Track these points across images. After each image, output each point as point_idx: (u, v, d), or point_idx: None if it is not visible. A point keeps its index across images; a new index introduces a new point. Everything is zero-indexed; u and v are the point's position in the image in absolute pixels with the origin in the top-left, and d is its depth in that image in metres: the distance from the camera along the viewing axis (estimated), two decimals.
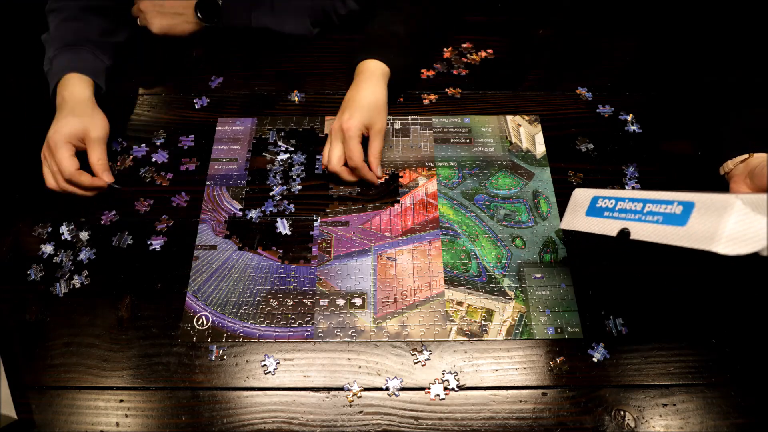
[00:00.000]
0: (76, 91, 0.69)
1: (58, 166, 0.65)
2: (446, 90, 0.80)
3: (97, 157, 0.68)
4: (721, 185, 0.68)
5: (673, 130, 0.76)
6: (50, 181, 0.67)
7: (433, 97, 0.80)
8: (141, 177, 0.72)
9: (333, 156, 0.68)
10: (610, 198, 0.54)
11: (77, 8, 0.74)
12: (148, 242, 0.67)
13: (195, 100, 0.79)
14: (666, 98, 0.80)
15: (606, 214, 0.54)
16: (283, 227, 0.68)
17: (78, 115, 0.67)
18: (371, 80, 0.70)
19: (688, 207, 0.45)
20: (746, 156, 0.63)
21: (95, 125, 0.68)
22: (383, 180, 0.72)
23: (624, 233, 0.50)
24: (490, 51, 0.85)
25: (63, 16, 0.74)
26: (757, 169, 0.61)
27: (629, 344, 0.60)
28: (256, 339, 0.61)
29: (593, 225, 0.55)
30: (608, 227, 0.53)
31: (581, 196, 0.59)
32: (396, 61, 0.72)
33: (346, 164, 0.69)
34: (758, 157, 0.63)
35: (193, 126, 0.78)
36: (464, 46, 0.86)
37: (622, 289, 0.64)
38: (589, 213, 0.56)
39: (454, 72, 0.83)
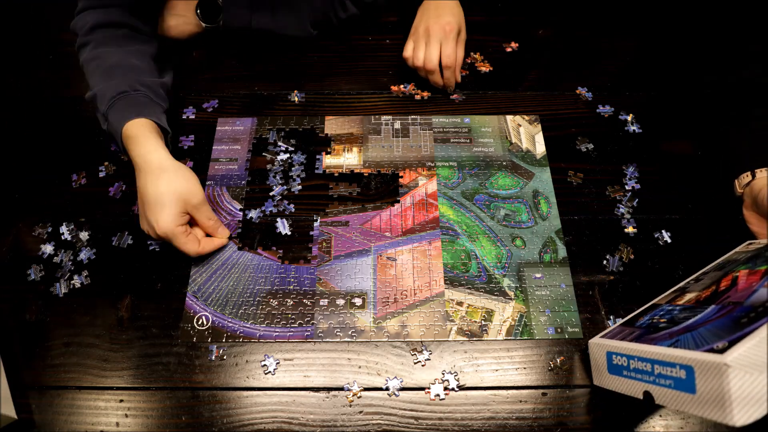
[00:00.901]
0: (150, 153, 0.62)
1: (184, 250, 0.62)
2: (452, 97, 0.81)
3: (207, 217, 0.64)
4: (723, 188, 0.69)
5: (673, 130, 0.77)
6: (190, 254, 0.63)
7: (425, 93, 0.80)
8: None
9: (434, 55, 0.74)
10: (622, 355, 0.51)
11: (121, 53, 0.69)
12: (149, 242, 0.67)
13: (204, 105, 0.79)
14: (666, 98, 0.80)
15: (625, 373, 0.50)
16: (283, 227, 0.68)
17: (171, 192, 0.61)
18: None
19: (690, 372, 0.42)
20: (750, 178, 0.64)
21: (191, 191, 0.62)
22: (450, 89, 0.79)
23: (648, 397, 0.47)
24: (514, 44, 0.86)
25: (108, 64, 0.68)
26: (759, 197, 0.61)
27: None
28: (256, 339, 0.61)
29: (618, 385, 0.51)
30: (632, 389, 0.49)
31: (597, 351, 0.56)
32: None
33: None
34: (759, 180, 0.63)
35: (194, 126, 0.78)
36: (473, 55, 0.85)
37: (622, 289, 0.64)
38: (611, 371, 0.53)
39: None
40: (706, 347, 0.41)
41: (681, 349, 0.43)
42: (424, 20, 0.76)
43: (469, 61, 0.84)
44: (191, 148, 0.75)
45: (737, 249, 0.60)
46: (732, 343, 0.39)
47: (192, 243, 0.63)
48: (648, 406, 0.48)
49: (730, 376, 0.38)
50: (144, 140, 0.63)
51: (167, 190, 0.61)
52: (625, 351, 0.50)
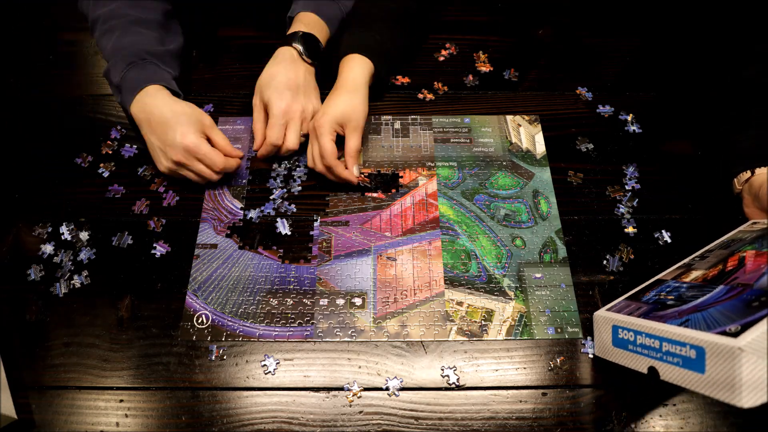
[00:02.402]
0: (165, 102, 0.66)
1: (209, 160, 0.66)
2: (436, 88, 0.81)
3: (222, 138, 0.69)
4: (723, 188, 0.69)
5: (673, 130, 0.77)
6: (213, 176, 0.68)
7: (430, 95, 0.80)
8: (140, 176, 0.72)
9: (309, 154, 0.70)
10: (628, 330, 0.52)
11: (127, 22, 0.71)
12: (153, 249, 0.66)
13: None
14: (666, 98, 0.80)
15: (630, 347, 0.52)
16: (284, 227, 0.68)
17: (182, 114, 0.65)
18: (352, 72, 0.70)
19: (701, 352, 0.43)
20: (749, 175, 0.64)
21: (200, 113, 0.68)
22: (364, 182, 0.71)
23: (653, 372, 0.48)
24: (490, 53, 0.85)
25: (117, 35, 0.70)
26: (761, 192, 0.61)
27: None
28: (255, 338, 0.61)
29: (622, 358, 0.53)
30: (637, 363, 0.51)
31: (602, 323, 0.57)
32: (379, 62, 0.72)
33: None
34: (759, 176, 0.63)
35: None
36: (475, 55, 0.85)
37: (622, 288, 0.64)
38: (615, 344, 0.54)
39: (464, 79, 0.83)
40: (718, 329, 0.42)
41: (693, 329, 0.44)
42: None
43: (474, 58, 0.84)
44: None
45: (741, 228, 0.61)
46: (745, 327, 0.40)
47: (218, 155, 0.66)
48: (651, 382, 0.49)
49: (742, 360, 0.39)
50: (160, 100, 0.66)
51: (182, 110, 0.66)
52: (633, 326, 0.51)
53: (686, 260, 0.60)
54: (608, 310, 0.58)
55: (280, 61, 0.72)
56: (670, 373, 0.46)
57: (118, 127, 0.76)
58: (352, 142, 0.68)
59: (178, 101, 0.67)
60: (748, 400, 0.39)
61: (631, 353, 0.51)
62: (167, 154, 0.66)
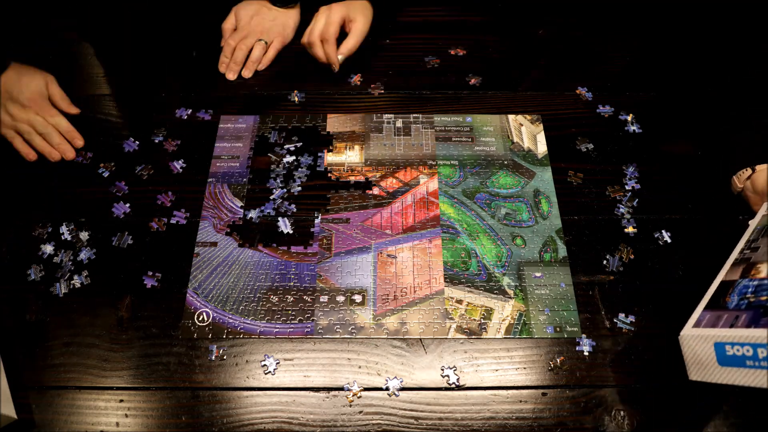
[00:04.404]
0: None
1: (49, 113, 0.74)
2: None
3: (61, 96, 0.76)
4: (723, 188, 0.69)
5: (673, 130, 0.77)
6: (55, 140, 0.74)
7: (380, 90, 0.81)
8: (138, 175, 0.72)
9: (315, 29, 0.76)
10: (742, 344, 0.46)
11: None
12: (143, 278, 0.64)
13: (198, 113, 0.79)
14: (666, 98, 0.80)
15: (749, 363, 0.46)
16: (285, 226, 0.68)
17: (26, 72, 0.74)
18: None
19: None
20: (749, 173, 0.64)
21: (42, 73, 0.75)
22: (336, 69, 0.80)
23: None
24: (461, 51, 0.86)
25: None
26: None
27: (629, 344, 0.60)
28: (256, 335, 0.61)
29: (738, 378, 0.47)
30: (762, 380, 0.45)
31: (697, 344, 0.50)
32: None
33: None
34: (760, 172, 0.63)
35: (195, 124, 0.77)
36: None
37: (622, 288, 0.64)
38: (724, 363, 0.48)
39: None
40: None
41: None
42: None
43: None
44: (190, 148, 0.75)
45: (764, 212, 0.59)
46: None
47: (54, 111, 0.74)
48: None
49: None
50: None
51: (27, 69, 0.74)
52: (747, 339, 0.46)
53: (735, 255, 0.56)
54: (695, 327, 0.52)
55: None
56: None
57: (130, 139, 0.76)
58: (352, 42, 0.78)
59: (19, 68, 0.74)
60: None
61: (753, 369, 0.45)
62: (7, 109, 0.72)
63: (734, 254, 0.58)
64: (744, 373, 0.46)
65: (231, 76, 0.82)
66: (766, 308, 0.47)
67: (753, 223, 0.60)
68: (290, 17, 0.84)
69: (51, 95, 0.75)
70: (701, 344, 0.50)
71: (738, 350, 0.47)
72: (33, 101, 0.73)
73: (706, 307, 0.53)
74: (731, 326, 0.48)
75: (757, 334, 0.45)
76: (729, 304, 0.51)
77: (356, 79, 0.82)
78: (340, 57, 0.78)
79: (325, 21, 0.76)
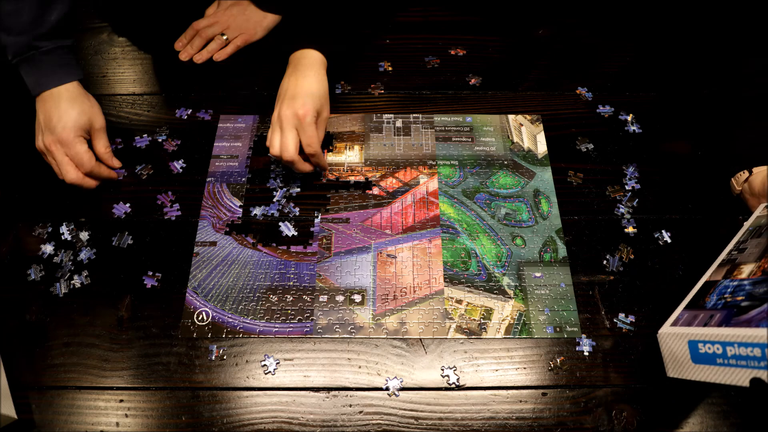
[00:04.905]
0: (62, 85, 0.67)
1: (78, 159, 0.66)
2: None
3: (104, 145, 0.70)
4: (723, 188, 0.69)
5: (673, 130, 0.77)
6: (71, 175, 0.66)
7: (380, 91, 0.81)
8: (137, 174, 0.72)
9: (290, 144, 0.64)
10: (713, 342, 0.47)
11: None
12: (143, 278, 0.64)
13: (198, 113, 0.79)
14: (666, 98, 0.80)
15: (719, 361, 0.47)
16: (288, 229, 0.68)
17: (79, 105, 0.67)
18: (314, 68, 0.68)
19: None
20: (747, 175, 0.64)
21: (96, 114, 0.69)
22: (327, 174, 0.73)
23: (759, 384, 0.43)
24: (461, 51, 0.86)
25: None
26: (765, 188, 0.61)
27: (629, 344, 0.60)
28: (255, 334, 0.61)
29: (711, 375, 0.48)
30: (732, 377, 0.45)
31: (673, 342, 0.52)
32: (332, 49, 0.71)
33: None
34: (757, 174, 0.63)
35: (194, 124, 0.77)
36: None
37: (622, 289, 0.64)
38: (697, 361, 0.49)
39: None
40: None
41: None
42: (278, 104, 0.67)
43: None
44: (190, 147, 0.75)
45: (758, 213, 0.59)
46: None
47: (89, 158, 0.67)
48: (756, 396, 0.44)
49: None
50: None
51: (78, 103, 0.67)
52: (717, 338, 0.47)
53: (723, 257, 0.57)
54: (672, 325, 0.53)
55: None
56: None
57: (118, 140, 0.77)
58: (322, 133, 0.68)
59: (80, 90, 0.68)
60: None
61: (723, 367, 0.46)
62: (42, 137, 0.67)
63: (722, 255, 0.58)
64: (715, 370, 0.47)
65: (183, 56, 0.83)
66: (739, 308, 0.48)
67: (746, 225, 0.60)
68: (266, 18, 0.83)
69: (93, 140, 0.69)
70: (677, 342, 0.51)
71: (709, 348, 0.47)
72: (65, 139, 0.65)
73: (687, 307, 0.54)
74: (705, 325, 0.49)
75: (726, 332, 0.46)
76: (707, 303, 0.52)
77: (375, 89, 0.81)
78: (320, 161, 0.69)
79: (294, 129, 0.64)
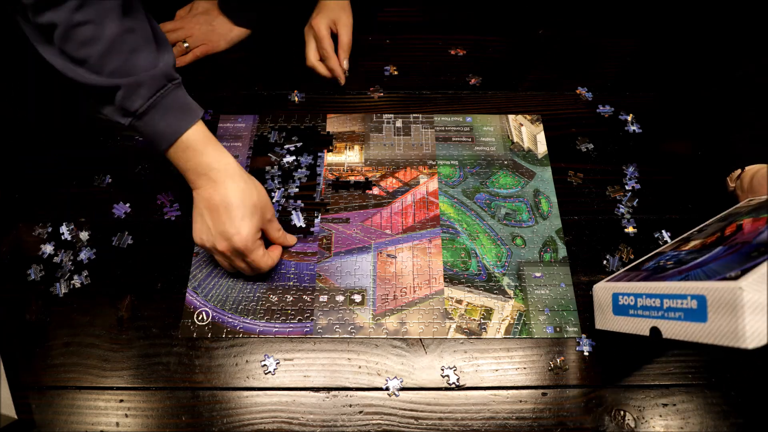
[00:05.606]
0: (221, 160, 0.58)
1: (255, 266, 0.60)
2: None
3: (277, 229, 0.63)
4: (723, 188, 0.69)
5: (673, 130, 0.77)
6: (248, 273, 0.62)
7: (379, 94, 0.81)
8: (137, 174, 0.72)
9: (309, 51, 0.78)
10: (629, 294, 0.52)
11: (114, 36, 0.52)
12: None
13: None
14: (666, 98, 0.80)
15: (631, 312, 0.52)
16: (298, 219, 0.68)
17: (250, 205, 0.58)
18: None
19: (702, 301, 0.42)
20: (739, 171, 0.64)
21: (266, 205, 0.60)
22: (346, 73, 0.81)
23: (656, 332, 0.47)
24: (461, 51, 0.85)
25: (102, 46, 0.51)
26: (754, 182, 0.62)
27: (629, 343, 0.60)
28: (255, 334, 0.61)
29: (623, 325, 0.53)
30: (638, 327, 0.50)
31: (602, 294, 0.57)
32: None
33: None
34: (747, 171, 0.64)
35: None
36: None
37: None
38: (616, 312, 0.54)
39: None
40: (719, 277, 0.42)
41: (693, 281, 0.44)
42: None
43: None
44: None
45: (738, 205, 0.61)
46: (745, 272, 0.40)
47: (267, 258, 0.61)
48: (654, 342, 0.49)
49: (744, 299, 0.39)
50: (210, 147, 0.57)
51: (250, 201, 0.57)
52: (633, 290, 0.51)
53: (684, 235, 0.60)
54: (608, 281, 0.58)
55: None
56: (672, 329, 0.46)
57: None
58: (345, 39, 0.78)
59: (245, 177, 0.59)
60: (752, 340, 0.39)
61: (632, 318, 0.51)
62: (214, 240, 0.58)
63: (685, 234, 0.60)
64: (628, 321, 0.52)
65: None
66: (663, 269, 0.51)
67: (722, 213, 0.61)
68: (232, 31, 0.81)
69: (266, 231, 0.62)
70: (605, 294, 0.57)
71: (626, 300, 0.53)
72: (243, 249, 0.57)
73: (628, 269, 0.58)
74: (630, 281, 0.53)
75: (639, 285, 0.51)
76: (645, 267, 0.55)
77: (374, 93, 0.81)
78: (344, 62, 0.80)
79: (314, 40, 0.78)
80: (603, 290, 0.57)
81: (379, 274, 0.65)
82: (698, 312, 0.43)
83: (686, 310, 0.44)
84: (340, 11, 0.78)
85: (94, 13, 0.51)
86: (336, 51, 0.79)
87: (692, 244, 0.54)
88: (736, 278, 0.40)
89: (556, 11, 0.89)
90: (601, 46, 0.86)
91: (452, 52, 0.85)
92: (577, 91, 0.81)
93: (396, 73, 0.82)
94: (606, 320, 0.56)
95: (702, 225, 0.60)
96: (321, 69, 0.79)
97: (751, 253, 0.43)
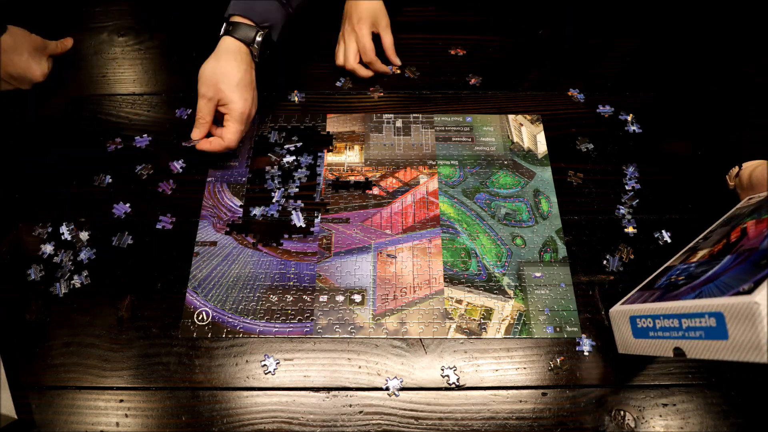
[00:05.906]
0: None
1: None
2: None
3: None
4: (723, 187, 0.69)
5: (673, 130, 0.77)
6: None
7: (379, 94, 0.81)
8: (137, 174, 0.72)
9: (350, 54, 0.79)
10: (646, 317, 0.51)
11: None
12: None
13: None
14: (666, 98, 0.80)
15: (651, 334, 0.50)
16: (298, 219, 0.68)
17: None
18: None
19: (720, 318, 0.42)
20: (738, 169, 0.65)
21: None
22: (396, 70, 0.83)
23: (680, 353, 0.47)
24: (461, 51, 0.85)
25: None
26: (753, 178, 0.62)
27: None
28: (255, 334, 0.61)
29: (646, 348, 0.51)
30: (661, 348, 0.49)
31: (619, 318, 0.56)
32: None
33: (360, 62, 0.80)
34: (745, 168, 0.64)
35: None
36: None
37: (622, 289, 0.64)
38: (636, 335, 0.53)
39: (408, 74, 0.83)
40: (732, 292, 0.41)
41: (707, 298, 0.43)
42: (342, 23, 0.81)
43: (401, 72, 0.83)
44: (188, 146, 0.75)
45: (738, 206, 0.61)
46: (757, 284, 0.40)
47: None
48: (679, 360, 0.48)
49: (762, 313, 0.38)
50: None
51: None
52: (649, 312, 0.50)
53: (691, 244, 0.59)
54: (623, 304, 0.57)
55: (233, 56, 0.69)
56: (695, 348, 0.45)
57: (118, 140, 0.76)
58: (389, 39, 0.81)
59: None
60: None
61: (653, 340, 0.50)
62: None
63: (691, 243, 0.60)
64: (649, 343, 0.51)
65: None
66: (675, 286, 0.50)
67: (724, 216, 0.61)
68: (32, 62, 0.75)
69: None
70: (622, 319, 0.55)
71: (644, 322, 0.51)
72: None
73: (641, 288, 0.57)
74: (644, 302, 0.52)
75: (655, 306, 0.49)
76: (657, 284, 0.54)
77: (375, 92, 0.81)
78: (396, 59, 0.82)
79: (355, 43, 0.79)
80: (620, 314, 0.55)
81: (379, 274, 0.65)
82: (718, 330, 0.42)
83: (706, 329, 0.43)
84: (379, 14, 0.80)
85: None
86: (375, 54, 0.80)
87: (700, 254, 0.54)
88: (749, 291, 0.40)
89: (556, 11, 0.89)
90: (601, 46, 0.86)
91: (452, 52, 0.85)
92: (569, 93, 0.80)
93: (413, 76, 0.82)
94: (627, 344, 0.55)
95: (706, 231, 0.59)
96: (362, 72, 0.80)
97: (761, 262, 0.42)
